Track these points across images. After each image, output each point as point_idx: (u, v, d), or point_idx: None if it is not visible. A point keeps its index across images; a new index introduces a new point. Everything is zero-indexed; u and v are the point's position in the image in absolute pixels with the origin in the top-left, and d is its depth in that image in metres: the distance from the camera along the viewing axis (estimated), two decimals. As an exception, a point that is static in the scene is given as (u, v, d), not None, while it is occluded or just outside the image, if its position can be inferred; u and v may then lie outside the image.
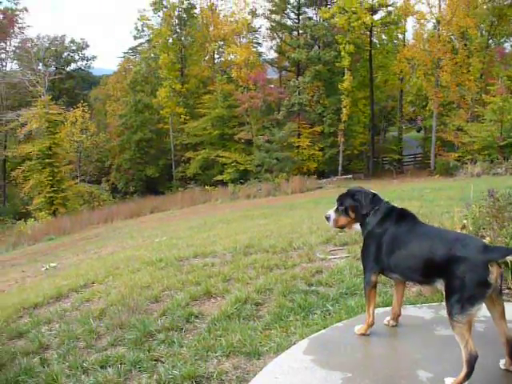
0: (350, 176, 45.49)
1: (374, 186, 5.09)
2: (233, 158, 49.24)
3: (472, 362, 3.37)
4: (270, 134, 48.32)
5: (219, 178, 48.56)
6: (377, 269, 4.13)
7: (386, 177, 45.21)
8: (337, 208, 4.45)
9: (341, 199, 4.47)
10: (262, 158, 46.56)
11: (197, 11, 59.02)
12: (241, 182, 43.45)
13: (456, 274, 3.46)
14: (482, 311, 3.61)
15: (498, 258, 3.46)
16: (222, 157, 49.89)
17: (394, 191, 23.55)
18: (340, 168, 48.10)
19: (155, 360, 4.99)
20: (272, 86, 57.61)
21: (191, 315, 6.07)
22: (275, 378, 3.88)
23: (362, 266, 4.43)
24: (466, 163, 35.87)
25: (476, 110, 42.68)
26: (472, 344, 3.39)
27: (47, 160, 43.93)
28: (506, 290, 5.55)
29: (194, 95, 58.59)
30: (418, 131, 66.86)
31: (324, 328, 4.94)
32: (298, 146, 49.34)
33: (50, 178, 43.48)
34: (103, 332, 6.02)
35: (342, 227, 4.53)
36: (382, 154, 55.33)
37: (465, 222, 6.97)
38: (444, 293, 3.60)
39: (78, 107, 54.29)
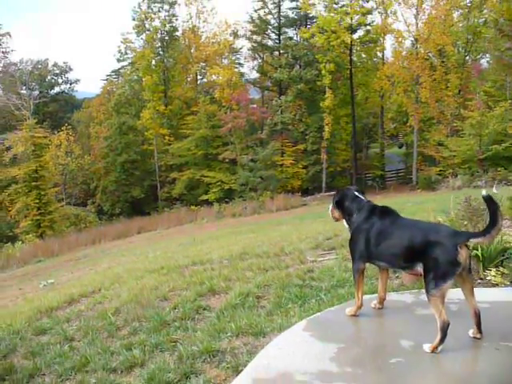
0: (334, 192, 45.87)
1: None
2: (217, 178, 49.53)
3: (445, 329, 3.91)
4: (253, 153, 48.70)
5: (204, 197, 48.67)
6: (365, 258, 4.62)
7: (369, 192, 45.52)
8: (332, 202, 5.03)
9: (334, 196, 5.05)
10: (247, 176, 46.88)
11: (179, 33, 59.57)
12: (226, 201, 43.68)
13: (431, 256, 3.99)
14: (456, 295, 4.31)
15: (464, 241, 3.99)
16: (207, 177, 50.21)
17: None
18: (324, 185, 48.53)
19: (174, 342, 5.73)
20: (255, 105, 58.31)
21: (200, 308, 6.83)
22: (279, 349, 4.40)
23: (350, 264, 5.01)
24: (447, 177, 36.47)
25: (455, 124, 43.39)
26: (445, 314, 3.92)
27: (33, 183, 43.91)
28: (479, 280, 6.17)
29: (177, 116, 58.91)
30: (400, 147, 67.44)
31: (319, 312, 5.47)
32: (281, 165, 49.73)
33: (37, 201, 43.42)
34: (122, 325, 6.70)
35: (336, 219, 5.02)
36: (365, 170, 55.84)
37: (442, 224, 7.51)
38: (422, 274, 4.10)
39: (62, 130, 54.54)
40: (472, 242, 4.08)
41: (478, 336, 4.12)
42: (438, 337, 3.94)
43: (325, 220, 18.71)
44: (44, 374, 5.53)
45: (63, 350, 6.07)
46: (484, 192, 3.96)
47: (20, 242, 38.28)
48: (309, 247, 10.39)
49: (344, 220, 4.89)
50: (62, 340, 6.46)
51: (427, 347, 3.99)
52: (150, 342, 5.74)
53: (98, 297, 8.74)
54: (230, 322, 5.93)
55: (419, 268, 4.16)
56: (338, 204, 4.91)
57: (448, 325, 3.91)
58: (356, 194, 4.85)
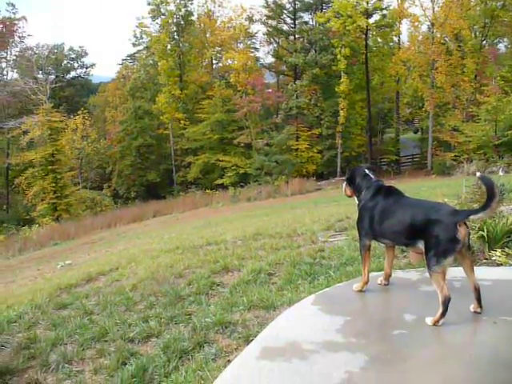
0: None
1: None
2: (233, 162, 49.77)
3: (446, 303, 4.10)
4: (268, 138, 48.85)
5: (220, 181, 48.86)
6: (370, 235, 4.83)
7: (384, 177, 45.46)
8: (345, 180, 5.23)
9: (346, 174, 5.28)
10: (262, 161, 47.05)
11: (194, 18, 59.59)
12: (241, 186, 43.84)
13: (432, 234, 4.17)
14: (460, 273, 4.48)
15: (464, 219, 4.16)
16: (222, 161, 50.44)
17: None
18: (338, 170, 48.61)
19: (188, 315, 6.09)
20: (270, 90, 58.38)
21: (213, 284, 7.20)
22: (288, 321, 4.65)
23: (358, 244, 5.23)
24: (462, 162, 36.41)
25: (471, 110, 43.31)
26: (446, 289, 4.11)
27: (50, 167, 44.25)
28: (484, 260, 6.37)
29: (193, 100, 59.09)
30: (415, 132, 67.31)
31: (327, 287, 5.72)
32: (296, 149, 49.81)
33: (53, 185, 43.75)
34: (138, 300, 7.05)
35: (349, 196, 5.23)
36: (380, 155, 55.72)
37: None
38: (424, 251, 4.28)
39: (78, 114, 54.81)
40: (473, 218, 4.24)
41: (478, 310, 4.30)
42: (440, 311, 4.12)
43: (338, 204, 18.95)
44: (66, 344, 5.83)
45: (83, 322, 6.42)
46: (478, 173, 4.17)
47: (37, 225, 38.75)
48: (321, 228, 10.67)
49: (355, 198, 5.11)
50: (82, 313, 6.79)
51: (429, 320, 4.17)
52: (166, 315, 6.06)
53: (116, 275, 9.07)
54: (242, 297, 6.25)
55: (420, 245, 4.34)
56: (349, 181, 5.12)
57: (449, 299, 4.09)
58: (366, 171, 5.04)
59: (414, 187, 24.51)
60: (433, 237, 4.16)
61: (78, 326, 6.32)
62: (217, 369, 4.50)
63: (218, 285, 7.17)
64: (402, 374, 3.59)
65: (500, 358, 3.67)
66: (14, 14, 55.54)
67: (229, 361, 4.58)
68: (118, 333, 5.81)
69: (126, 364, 5.09)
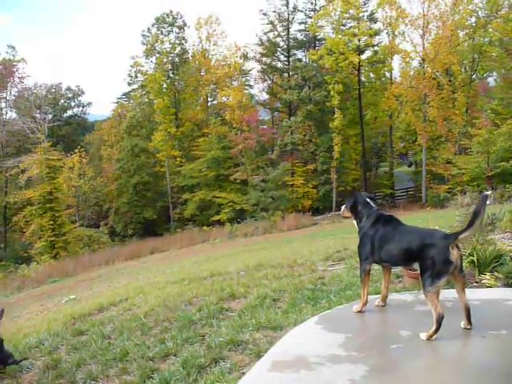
0: (349, 197, 45.98)
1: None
2: (229, 198, 50.05)
3: (440, 320, 4.54)
4: (264, 174, 49.15)
5: (216, 218, 48.89)
6: (370, 259, 5.32)
7: (384, 209, 45.66)
8: (346, 204, 5.76)
9: (348, 199, 5.79)
10: (258, 197, 47.34)
11: (189, 56, 60.39)
12: (238, 222, 43.81)
13: (427, 257, 4.62)
14: (452, 294, 5.01)
15: (454, 239, 4.61)
16: (219, 197, 50.68)
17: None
18: (334, 204, 48.71)
19: (202, 336, 6.51)
20: (265, 126, 59.05)
21: (222, 309, 7.65)
22: (295, 338, 5.14)
23: (358, 272, 5.75)
24: (456, 194, 36.68)
25: (463, 142, 43.99)
26: (440, 307, 4.56)
27: (48, 205, 44.39)
28: (475, 284, 6.84)
29: (189, 138, 59.66)
30: (409, 166, 67.66)
31: (329, 309, 6.25)
32: (292, 185, 50.14)
33: (51, 223, 43.89)
34: (153, 325, 7.49)
35: (346, 217, 5.78)
36: (375, 189, 55.80)
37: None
38: (419, 272, 4.76)
39: (75, 153, 55.14)
40: (461, 237, 4.64)
41: (468, 327, 4.75)
42: (434, 327, 4.55)
43: (335, 237, 19.33)
44: (89, 364, 6.21)
45: (103, 345, 6.81)
46: (484, 194, 4.69)
47: (35, 263, 38.71)
48: (319, 259, 11.12)
49: (355, 222, 5.61)
50: (100, 338, 7.16)
51: (423, 335, 4.62)
52: (181, 337, 6.45)
53: (127, 304, 9.44)
54: (250, 319, 6.68)
55: (416, 266, 4.84)
56: (352, 208, 5.62)
57: (442, 317, 4.53)
58: (367, 200, 5.54)
59: (409, 220, 24.60)
60: (428, 259, 4.59)
61: (98, 348, 6.71)
62: (232, 380, 4.90)
63: (226, 310, 7.57)
64: (399, 381, 4.02)
65: (488, 368, 4.09)
66: (14, 56, 56.60)
67: (243, 373, 4.97)
68: (138, 353, 6.18)
69: (149, 379, 5.46)
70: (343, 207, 5.78)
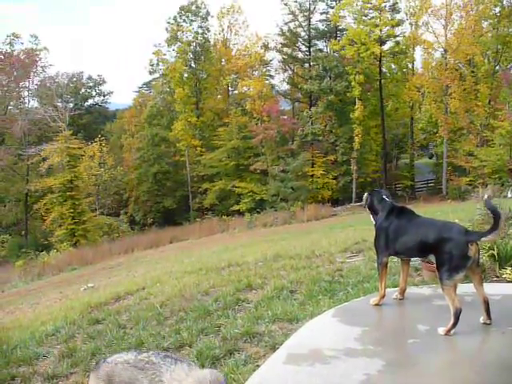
0: (366, 195, 45.80)
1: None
2: (249, 188, 50.16)
3: (457, 314, 4.46)
4: (284, 164, 49.22)
5: (236, 207, 49.13)
6: (387, 252, 5.26)
7: (399, 203, 45.37)
8: (363, 203, 5.73)
9: (367, 194, 5.73)
10: (278, 187, 47.39)
11: (210, 45, 60.25)
12: (257, 212, 43.91)
13: (445, 251, 4.55)
14: (470, 288, 4.86)
15: (476, 240, 4.56)
16: (238, 187, 50.84)
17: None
18: (354, 195, 48.50)
19: (217, 327, 6.49)
20: (285, 117, 58.67)
21: (239, 300, 7.63)
22: (311, 331, 5.09)
23: (375, 264, 5.69)
24: (477, 187, 36.40)
25: (485, 134, 43.56)
26: (457, 301, 4.49)
27: (68, 193, 44.67)
28: (495, 278, 6.74)
29: (209, 127, 59.54)
30: (430, 158, 67.23)
31: (346, 302, 6.18)
32: (312, 175, 50.09)
33: (72, 211, 44.17)
34: (168, 315, 7.50)
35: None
36: (395, 180, 55.78)
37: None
38: (435, 265, 4.69)
39: (95, 141, 55.39)
40: (483, 240, 4.66)
41: (488, 322, 4.65)
42: (451, 321, 4.47)
43: (354, 228, 19.23)
44: (104, 353, 6.19)
45: (119, 335, 6.85)
46: (486, 196, 4.63)
47: (55, 251, 38.96)
48: (338, 250, 11.09)
49: (371, 217, 5.57)
50: (116, 327, 7.21)
51: (441, 330, 4.54)
52: (196, 328, 6.46)
53: (144, 294, 9.48)
54: (266, 311, 6.66)
55: (432, 258, 4.77)
56: (369, 207, 5.59)
57: (460, 311, 4.44)
58: (384, 197, 5.49)
59: (429, 212, 24.42)
60: (446, 253, 4.52)
61: (114, 337, 6.74)
62: (247, 372, 4.86)
63: (243, 301, 7.57)
64: (416, 377, 3.95)
65: (508, 365, 4.00)
66: (37, 44, 56.80)
67: (258, 365, 4.94)
68: (153, 343, 6.20)
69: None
70: (365, 196, 5.73)
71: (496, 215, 4.46)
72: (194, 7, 57.66)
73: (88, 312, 8.78)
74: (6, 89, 56.64)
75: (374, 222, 5.49)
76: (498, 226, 4.44)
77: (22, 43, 56.51)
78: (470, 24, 46.05)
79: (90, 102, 77.93)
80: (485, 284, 4.83)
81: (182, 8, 57.57)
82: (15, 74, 55.37)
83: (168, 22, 57.25)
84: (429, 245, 4.75)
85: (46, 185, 47.75)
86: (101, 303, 9.27)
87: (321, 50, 56.90)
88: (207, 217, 47.90)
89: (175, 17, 57.41)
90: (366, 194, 5.71)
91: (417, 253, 5.17)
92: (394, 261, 6.81)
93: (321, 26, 56.81)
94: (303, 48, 57.95)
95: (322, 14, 56.14)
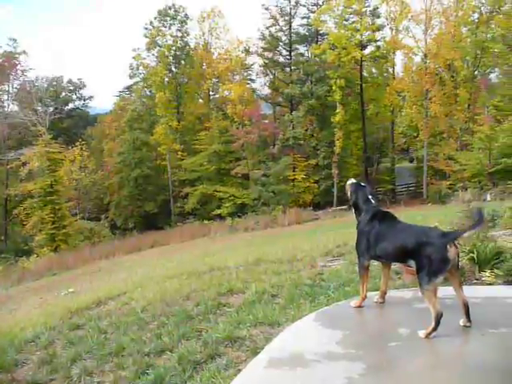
0: (345, 207, 46.08)
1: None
2: (230, 193, 49.96)
3: (438, 318, 4.47)
4: (265, 168, 49.36)
5: (217, 212, 48.75)
6: (368, 255, 5.25)
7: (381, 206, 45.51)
8: (349, 196, 5.64)
9: (350, 186, 5.63)
10: (259, 191, 47.43)
11: (191, 49, 60.07)
12: (238, 216, 43.77)
13: (424, 255, 4.54)
14: (450, 292, 4.83)
15: (453, 239, 4.56)
16: (220, 191, 50.58)
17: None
18: (335, 199, 48.74)
19: (199, 331, 6.47)
20: (267, 121, 58.81)
21: (220, 304, 7.64)
22: (292, 335, 5.08)
23: (357, 268, 5.71)
24: (457, 191, 36.68)
25: (465, 139, 43.96)
26: (437, 305, 4.49)
27: (49, 197, 44.30)
28: (475, 281, 6.81)
29: (190, 132, 59.47)
30: (411, 161, 67.59)
31: (327, 306, 6.18)
32: (293, 179, 50.08)
33: (52, 215, 43.84)
34: (150, 320, 7.49)
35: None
36: (376, 184, 55.87)
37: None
38: (415, 269, 4.69)
39: (76, 146, 55.13)
40: (462, 237, 4.72)
41: (468, 324, 4.65)
42: (432, 325, 4.48)
43: (335, 232, 19.26)
44: (85, 359, 6.19)
45: (99, 340, 6.81)
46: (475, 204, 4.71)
47: (35, 256, 38.67)
48: (319, 254, 11.12)
49: (354, 214, 5.56)
50: (97, 333, 7.16)
51: (422, 333, 4.53)
52: (177, 332, 6.44)
53: (125, 298, 9.46)
54: (248, 315, 6.65)
55: (412, 263, 4.75)
56: (354, 205, 5.54)
57: (441, 315, 4.45)
58: (369, 197, 5.45)
59: (410, 215, 24.56)
60: (425, 257, 4.52)
61: (94, 343, 6.70)
62: (228, 377, 4.86)
63: (224, 305, 7.56)
64: (397, 379, 3.95)
65: (487, 366, 4.01)
66: (15, 48, 56.46)
67: (239, 370, 4.93)
68: (134, 348, 6.18)
69: (144, 374, 5.45)
70: (349, 184, 5.65)
71: (478, 215, 4.56)
72: (172, 11, 57.52)
73: (68, 317, 8.73)
74: (-16, 93, 56.37)
75: (355, 220, 5.49)
76: (475, 228, 4.51)
77: (1, 46, 56.28)
78: (449, 29, 46.59)
79: (71, 106, 77.75)
80: (464, 287, 4.85)
81: (159, 12, 57.46)
82: (-6, 77, 55.10)
83: (146, 28, 57.24)
84: (408, 250, 4.76)
85: (25, 189, 47.51)
86: (81, 308, 9.22)
87: (302, 55, 57.14)
88: (188, 221, 47.99)
89: (151, 22, 57.34)
90: (349, 182, 5.63)
91: (396, 258, 5.16)
92: (374, 264, 6.80)
93: (302, 31, 56.98)
94: (284, 52, 58.01)
95: (302, 18, 56.40)
